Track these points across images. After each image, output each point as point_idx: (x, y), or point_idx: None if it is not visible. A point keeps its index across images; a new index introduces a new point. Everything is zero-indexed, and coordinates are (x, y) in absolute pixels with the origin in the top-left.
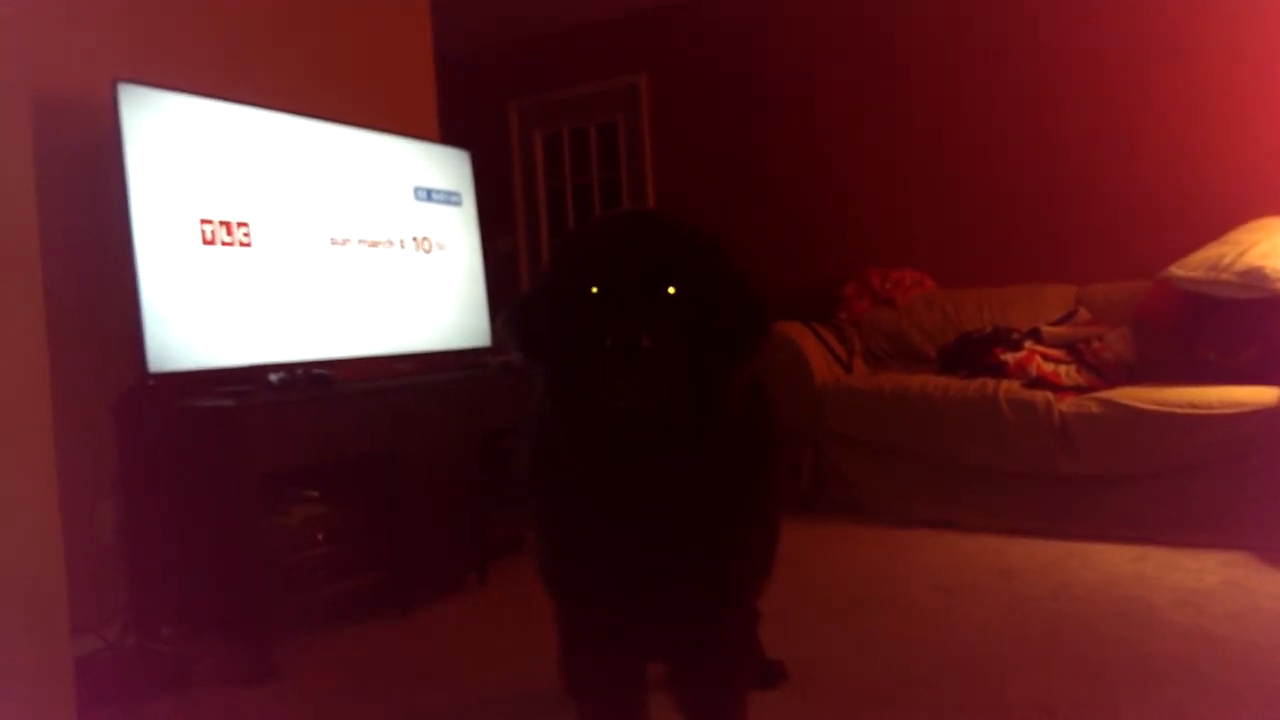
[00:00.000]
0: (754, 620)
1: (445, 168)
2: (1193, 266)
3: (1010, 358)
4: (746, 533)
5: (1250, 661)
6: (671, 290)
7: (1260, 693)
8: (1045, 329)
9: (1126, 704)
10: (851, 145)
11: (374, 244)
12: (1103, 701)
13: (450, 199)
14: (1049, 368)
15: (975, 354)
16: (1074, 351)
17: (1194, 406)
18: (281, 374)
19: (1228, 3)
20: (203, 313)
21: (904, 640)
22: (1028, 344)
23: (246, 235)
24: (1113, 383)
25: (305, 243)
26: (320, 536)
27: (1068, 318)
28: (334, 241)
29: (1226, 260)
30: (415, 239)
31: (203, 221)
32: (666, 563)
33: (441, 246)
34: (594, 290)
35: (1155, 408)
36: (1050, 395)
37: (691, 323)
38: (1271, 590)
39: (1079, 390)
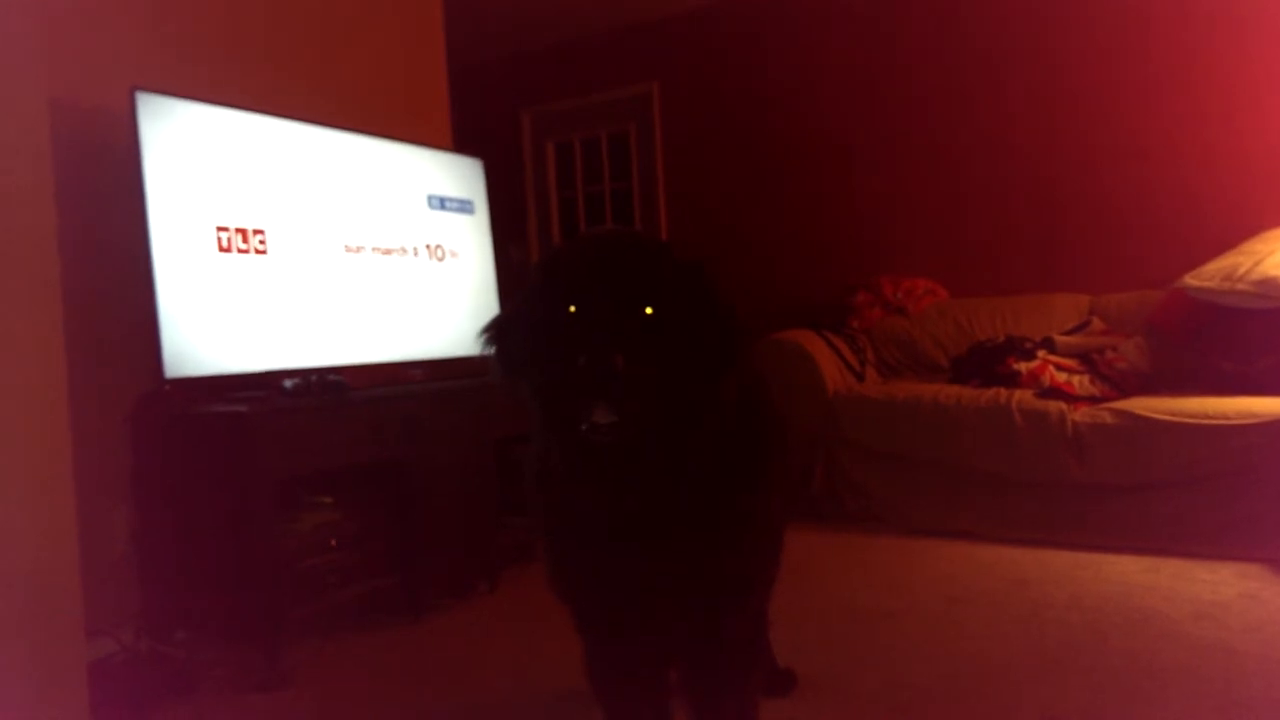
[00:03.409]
0: (763, 625)
1: (458, 176)
2: (1207, 276)
3: (1023, 367)
4: (744, 536)
5: (1268, 674)
6: (649, 310)
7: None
8: (1058, 338)
9: (1139, 716)
10: (863, 154)
11: (387, 251)
12: (1115, 713)
13: (463, 207)
14: (1062, 378)
15: (988, 363)
16: (1087, 361)
17: (1208, 417)
18: (295, 380)
19: (1237, 12)
20: (218, 319)
21: (915, 649)
22: (1041, 354)
23: (262, 242)
24: (1127, 393)
25: (320, 250)
26: (332, 542)
27: (1081, 327)
28: (348, 249)
29: (1241, 270)
30: (428, 247)
31: (219, 229)
32: (666, 568)
33: (454, 254)
34: (571, 310)
35: (1169, 418)
36: (1064, 405)
37: (668, 342)
38: None
39: (1092, 400)
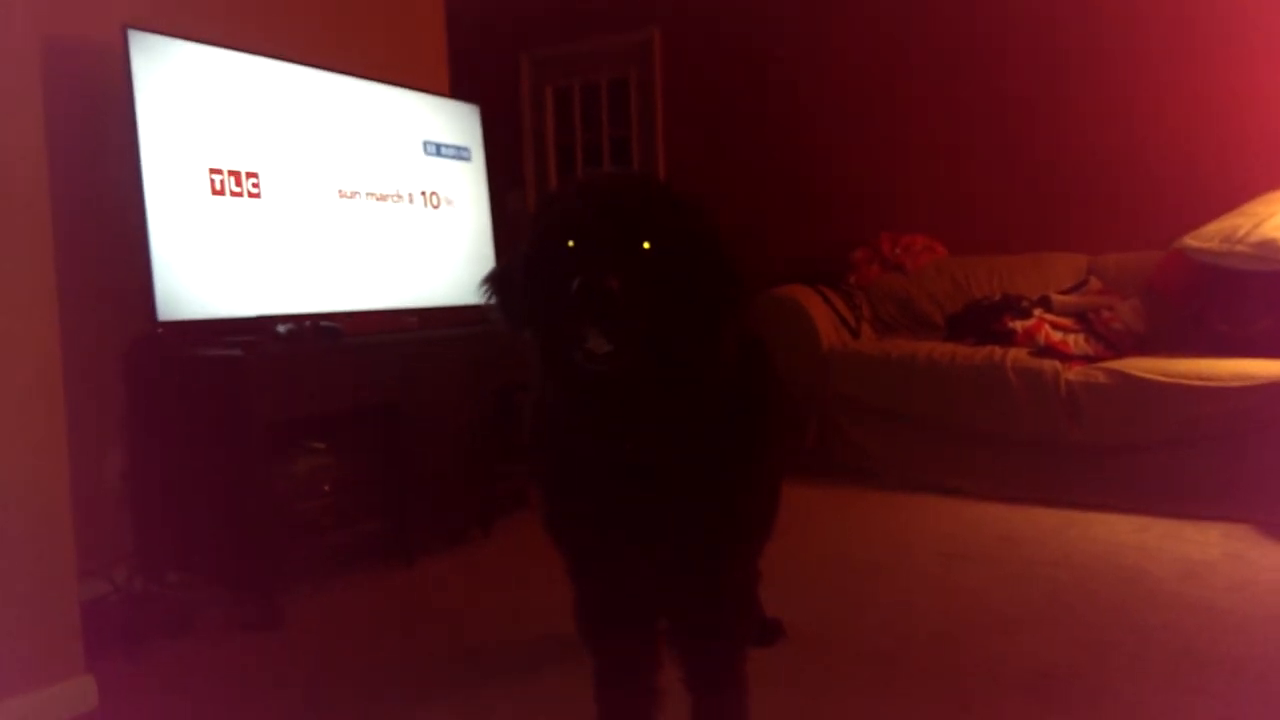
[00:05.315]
0: (754, 578)
1: (455, 122)
2: (1207, 237)
3: (1019, 326)
4: (742, 490)
5: (1250, 633)
6: (646, 245)
7: (1259, 664)
8: (1055, 297)
9: (1123, 671)
10: (865, 108)
11: (382, 198)
12: (1100, 668)
13: (459, 153)
14: (1057, 336)
15: (984, 321)
16: (1083, 321)
17: (1203, 378)
18: (289, 325)
19: None
20: (211, 263)
21: (905, 603)
22: (1037, 312)
23: (256, 186)
24: (1122, 353)
25: (314, 195)
26: (326, 487)
27: (1078, 287)
28: (342, 194)
29: (1241, 232)
30: (424, 193)
31: (212, 171)
32: (662, 520)
33: (450, 201)
34: (569, 245)
35: (1163, 379)
36: (1058, 364)
37: (666, 279)
38: (1273, 563)
39: (1087, 360)
